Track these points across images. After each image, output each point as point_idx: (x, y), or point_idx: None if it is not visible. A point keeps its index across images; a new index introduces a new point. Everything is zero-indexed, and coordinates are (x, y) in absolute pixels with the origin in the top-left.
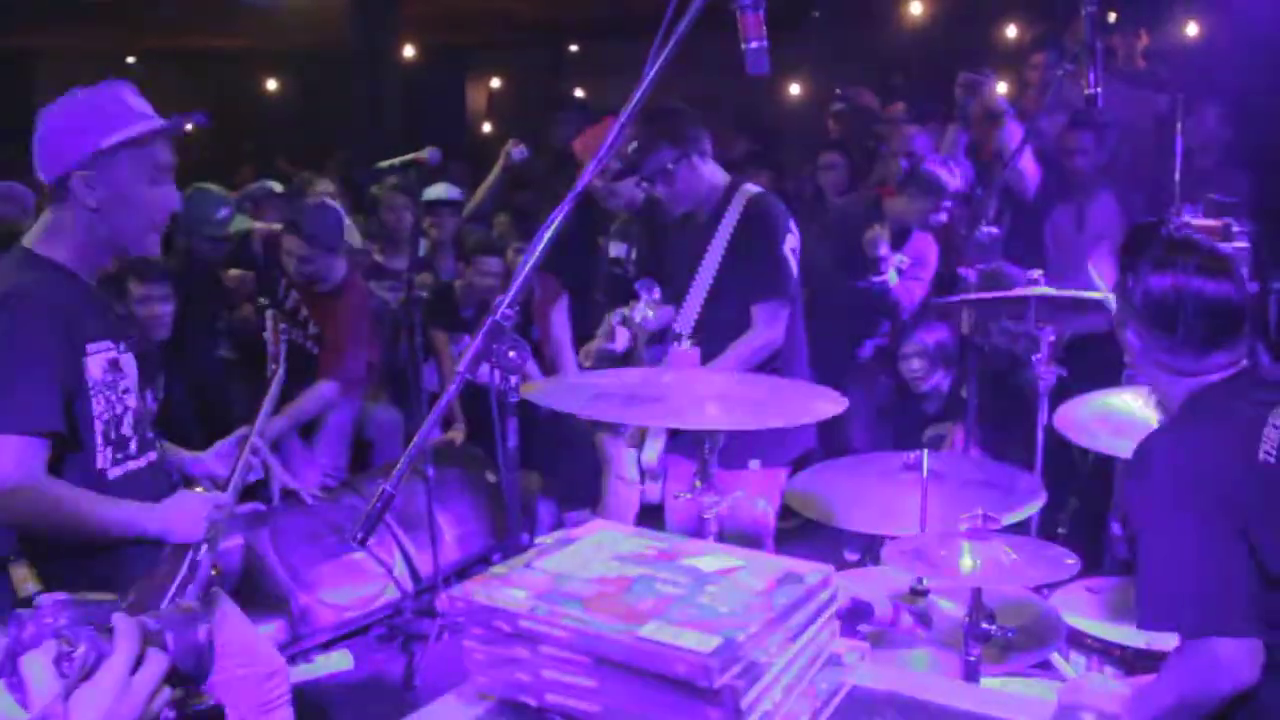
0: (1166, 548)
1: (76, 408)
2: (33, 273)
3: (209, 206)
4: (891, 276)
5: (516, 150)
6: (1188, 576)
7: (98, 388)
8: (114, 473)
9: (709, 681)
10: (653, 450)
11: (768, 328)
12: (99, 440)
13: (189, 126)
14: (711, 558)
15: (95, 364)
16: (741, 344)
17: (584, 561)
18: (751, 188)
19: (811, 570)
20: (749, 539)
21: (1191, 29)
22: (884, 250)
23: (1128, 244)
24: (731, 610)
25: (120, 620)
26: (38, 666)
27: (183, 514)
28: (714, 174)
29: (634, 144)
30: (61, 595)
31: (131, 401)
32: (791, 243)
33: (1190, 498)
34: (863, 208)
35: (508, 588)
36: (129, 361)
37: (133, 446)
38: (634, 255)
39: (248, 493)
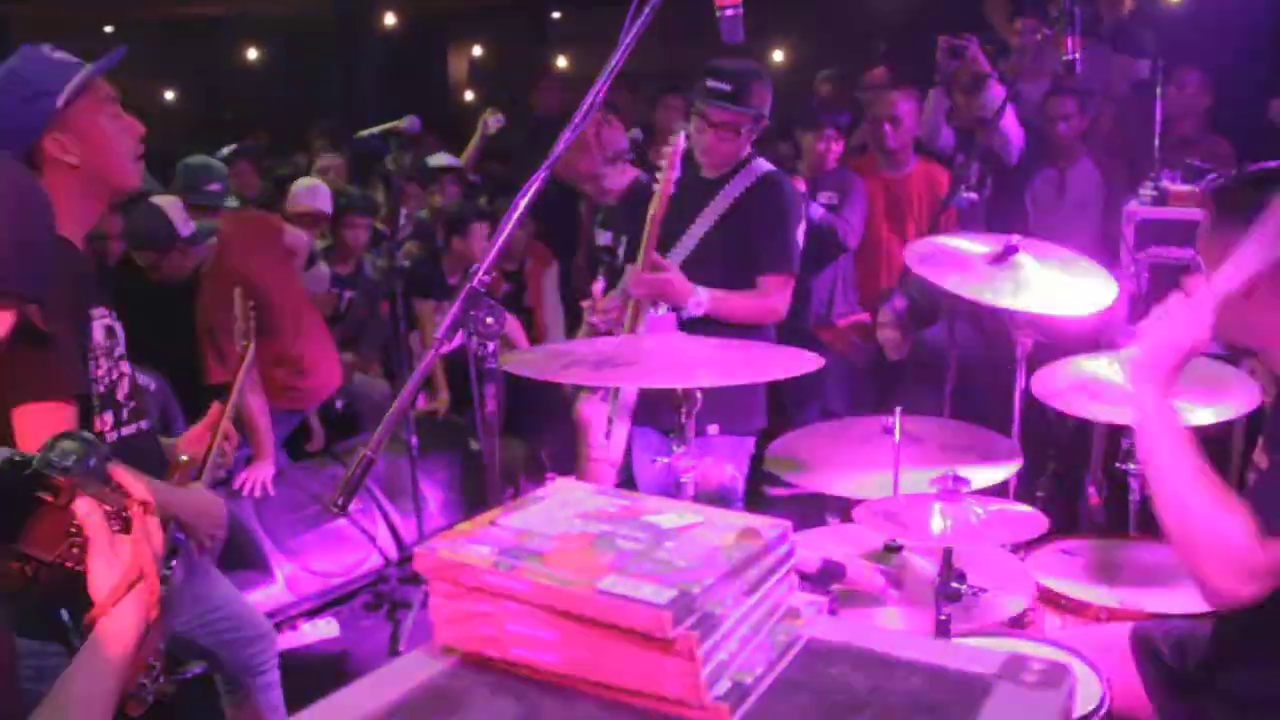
0: None
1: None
2: None
3: (201, 176)
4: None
5: (494, 120)
6: None
7: (98, 352)
8: (111, 436)
9: (664, 632)
10: (617, 443)
11: (776, 295)
12: (97, 404)
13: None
14: (671, 515)
15: (97, 328)
16: (752, 295)
17: (548, 519)
18: (765, 164)
19: (769, 525)
20: (718, 502)
21: None
22: (801, 188)
23: (1225, 192)
24: (688, 564)
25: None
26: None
27: (206, 511)
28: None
29: (729, 87)
30: None
31: (125, 368)
32: (803, 226)
33: None
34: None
35: (472, 544)
36: (120, 329)
37: (125, 412)
38: (623, 242)
39: None
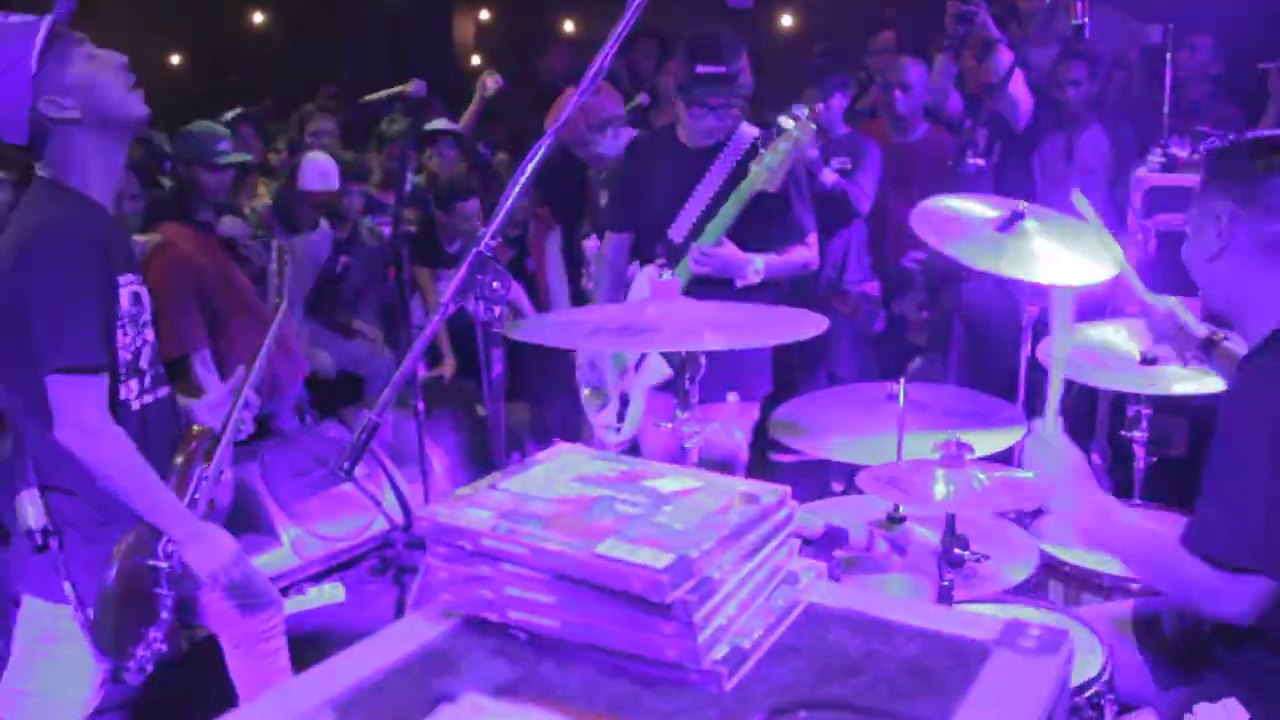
0: (1243, 481)
1: (111, 339)
2: (66, 205)
3: (210, 140)
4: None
5: (492, 81)
6: (1257, 518)
7: (124, 319)
8: (136, 404)
9: (661, 596)
10: (633, 420)
11: (810, 251)
12: (123, 372)
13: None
14: (671, 479)
15: (125, 296)
16: (791, 255)
17: (547, 483)
18: (750, 129)
19: (768, 491)
20: (723, 468)
21: None
22: (814, 153)
23: (1222, 156)
24: (686, 528)
25: None
26: None
27: (214, 549)
28: None
29: (737, 67)
30: None
31: (149, 335)
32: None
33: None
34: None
35: (471, 508)
36: (146, 294)
37: (149, 379)
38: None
39: None
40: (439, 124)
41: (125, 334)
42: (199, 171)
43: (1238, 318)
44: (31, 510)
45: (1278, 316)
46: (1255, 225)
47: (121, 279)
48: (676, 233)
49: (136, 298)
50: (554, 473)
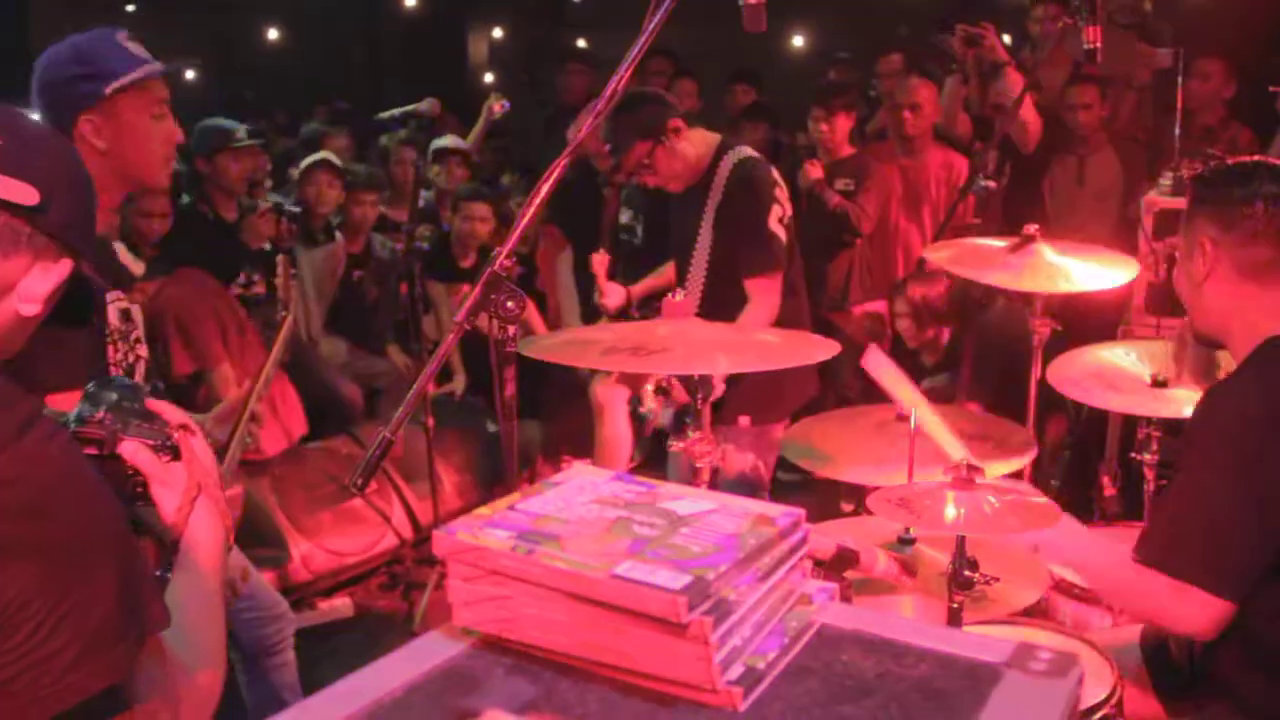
0: (1193, 497)
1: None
2: None
3: (229, 129)
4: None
5: (499, 105)
6: (1199, 532)
7: (114, 335)
8: None
9: (679, 617)
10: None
11: (762, 300)
12: None
13: (189, 74)
14: (688, 501)
15: (112, 311)
16: (742, 319)
17: (565, 503)
18: (740, 151)
19: (783, 513)
20: (740, 491)
21: None
22: (818, 174)
23: (1205, 181)
24: (703, 550)
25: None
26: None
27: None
28: (698, 144)
29: (608, 145)
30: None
31: (143, 351)
32: (778, 213)
33: (1231, 458)
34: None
35: (490, 528)
36: (138, 311)
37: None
38: (641, 223)
39: None
40: (446, 141)
41: (116, 349)
42: (224, 159)
43: (1226, 339)
44: None
45: (1257, 339)
46: (1237, 249)
47: (109, 295)
48: (693, 281)
49: (126, 314)
50: (572, 494)
